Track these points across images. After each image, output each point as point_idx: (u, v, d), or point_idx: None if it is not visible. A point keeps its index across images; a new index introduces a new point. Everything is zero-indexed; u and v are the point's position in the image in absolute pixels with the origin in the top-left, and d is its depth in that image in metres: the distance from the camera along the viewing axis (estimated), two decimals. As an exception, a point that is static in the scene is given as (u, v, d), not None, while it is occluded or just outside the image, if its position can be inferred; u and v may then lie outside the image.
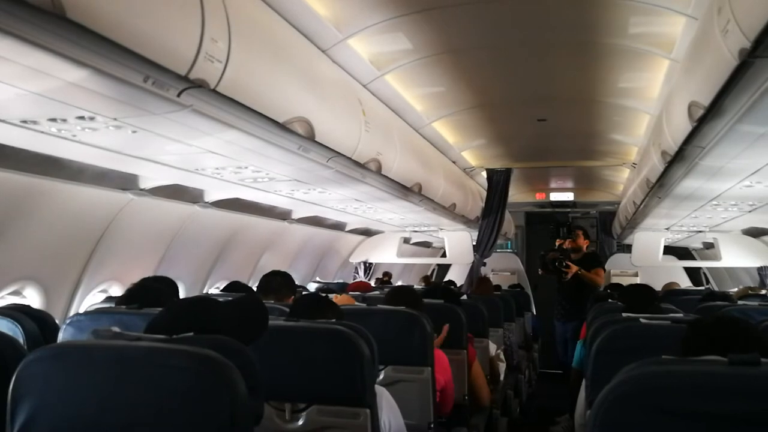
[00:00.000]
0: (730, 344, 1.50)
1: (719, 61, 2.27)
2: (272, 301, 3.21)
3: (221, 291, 4.95)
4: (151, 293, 2.70)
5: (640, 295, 3.56)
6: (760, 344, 1.51)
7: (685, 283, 8.05)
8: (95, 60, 1.88)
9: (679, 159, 3.56)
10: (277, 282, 3.54)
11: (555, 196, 9.93)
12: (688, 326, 1.77)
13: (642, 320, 2.59)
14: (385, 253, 8.36)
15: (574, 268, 6.51)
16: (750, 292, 5.68)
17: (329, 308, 2.61)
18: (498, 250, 9.18)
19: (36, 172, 3.30)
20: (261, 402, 1.53)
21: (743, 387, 1.22)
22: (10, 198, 3.36)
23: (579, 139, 6.78)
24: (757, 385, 1.22)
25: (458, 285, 8.04)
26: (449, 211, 6.39)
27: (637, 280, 8.19)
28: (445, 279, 9.02)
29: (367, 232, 8.25)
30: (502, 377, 5.04)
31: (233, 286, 4.65)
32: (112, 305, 2.87)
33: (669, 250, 7.77)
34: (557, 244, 6.91)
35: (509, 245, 10.74)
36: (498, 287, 8.20)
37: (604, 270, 7.41)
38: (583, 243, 6.84)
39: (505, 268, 9.85)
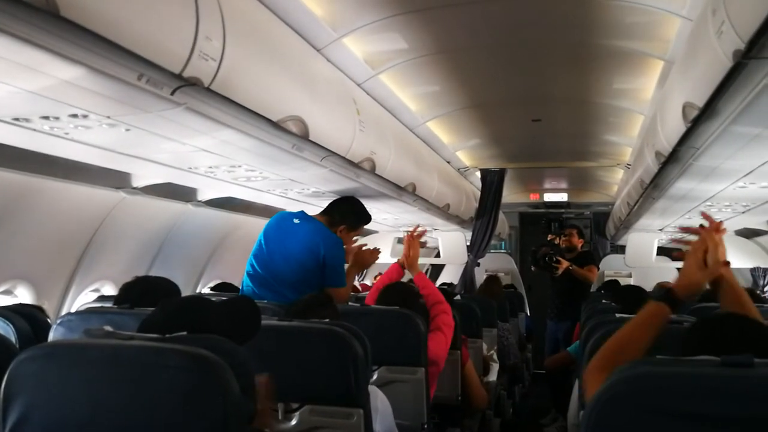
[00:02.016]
0: (727, 344, 1.50)
1: (714, 62, 2.28)
2: (266, 301, 3.20)
3: (211, 290, 4.97)
4: (150, 291, 2.67)
5: (634, 296, 3.57)
6: (759, 344, 1.50)
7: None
8: (89, 58, 1.87)
9: (673, 160, 3.57)
10: None
11: (549, 197, 9.94)
12: (691, 326, 1.78)
13: (636, 321, 2.59)
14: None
15: (565, 264, 6.51)
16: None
17: (325, 305, 2.61)
18: (492, 251, 9.18)
19: (28, 170, 3.29)
20: (254, 402, 1.53)
21: (736, 389, 1.21)
22: (1, 196, 3.34)
23: (573, 140, 6.79)
24: (749, 387, 1.22)
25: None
26: (443, 211, 6.38)
27: (631, 281, 8.20)
28: (441, 281, 9.02)
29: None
30: (495, 377, 5.05)
31: (222, 287, 4.68)
32: (104, 305, 2.86)
33: (663, 251, 7.78)
34: (549, 239, 6.92)
35: (503, 246, 10.75)
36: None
37: (598, 268, 7.41)
38: (578, 242, 6.85)
39: (498, 268, 9.84)
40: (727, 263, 1.90)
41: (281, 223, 3.64)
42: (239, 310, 1.88)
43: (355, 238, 3.97)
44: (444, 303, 3.54)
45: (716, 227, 1.97)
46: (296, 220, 3.61)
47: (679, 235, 2.22)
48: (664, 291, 1.84)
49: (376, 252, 3.95)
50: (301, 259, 3.48)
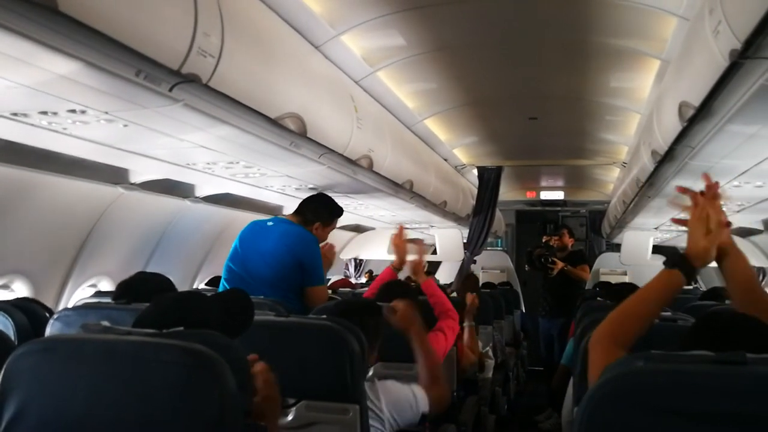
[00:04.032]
0: (723, 340, 1.50)
1: (710, 61, 2.28)
2: (262, 297, 3.21)
3: (206, 285, 4.98)
4: (147, 288, 2.66)
5: (629, 294, 3.57)
6: (754, 339, 1.51)
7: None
8: (87, 53, 1.87)
9: (669, 159, 3.58)
10: None
11: (545, 195, 9.95)
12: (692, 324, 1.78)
13: (630, 318, 2.60)
14: (376, 250, 8.35)
15: (560, 264, 6.56)
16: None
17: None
18: (488, 248, 9.20)
19: (26, 165, 3.28)
20: (250, 397, 1.54)
21: (728, 387, 1.21)
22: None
23: (570, 138, 6.80)
24: (742, 385, 1.22)
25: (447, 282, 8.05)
26: (440, 208, 6.40)
27: (626, 279, 8.23)
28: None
29: (357, 229, 8.25)
30: (490, 374, 5.06)
31: (216, 281, 4.69)
32: (102, 300, 2.86)
33: (658, 249, 7.80)
34: (544, 240, 6.96)
35: (499, 243, 10.76)
36: (493, 285, 8.19)
37: (590, 266, 7.45)
38: (569, 241, 6.89)
39: (495, 266, 9.87)
40: (729, 224, 1.88)
41: (255, 227, 3.66)
42: (233, 303, 1.88)
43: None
44: (452, 311, 3.55)
45: (713, 193, 1.94)
46: (270, 223, 3.64)
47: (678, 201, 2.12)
48: (677, 257, 1.82)
49: (332, 247, 3.94)
50: (278, 257, 3.49)
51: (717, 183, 1.95)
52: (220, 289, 3.57)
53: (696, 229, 1.85)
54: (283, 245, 3.50)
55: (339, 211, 3.84)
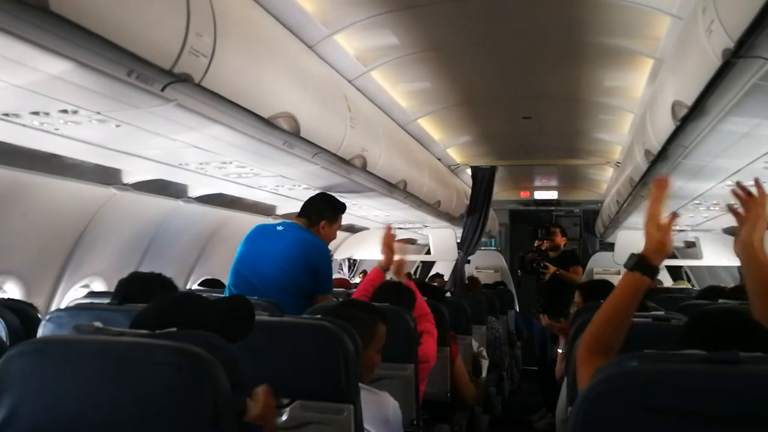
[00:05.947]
0: (716, 338, 1.51)
1: (703, 60, 2.29)
2: (256, 298, 3.20)
3: (199, 285, 4.96)
4: (147, 288, 2.64)
5: (608, 291, 3.57)
6: (747, 338, 1.51)
7: (666, 281, 8.11)
8: (79, 53, 1.86)
9: (662, 158, 3.59)
10: None
11: (539, 195, 9.97)
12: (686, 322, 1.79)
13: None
14: (370, 250, 8.35)
15: (552, 269, 6.56)
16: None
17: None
18: (482, 248, 9.20)
19: (18, 165, 3.27)
20: (244, 398, 1.53)
21: (721, 386, 1.21)
22: (-8, 191, 3.33)
23: (564, 138, 6.81)
24: (735, 384, 1.22)
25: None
26: (434, 208, 6.40)
27: (620, 279, 8.24)
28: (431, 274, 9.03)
29: (351, 229, 8.24)
30: (484, 374, 5.05)
31: (209, 283, 4.67)
32: (94, 301, 2.85)
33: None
34: (535, 245, 6.96)
35: (493, 243, 10.77)
36: (487, 285, 8.21)
37: (582, 267, 7.47)
38: (561, 241, 6.89)
39: (489, 265, 9.88)
40: (675, 215, 1.91)
41: (263, 231, 3.61)
42: (236, 309, 1.87)
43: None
44: (429, 314, 3.54)
45: (658, 182, 1.94)
46: (280, 227, 3.59)
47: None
48: (636, 260, 1.84)
49: None
50: (292, 263, 3.44)
51: (666, 177, 1.96)
52: (226, 293, 3.54)
53: (649, 225, 1.86)
54: (297, 251, 3.47)
55: (342, 207, 3.80)
